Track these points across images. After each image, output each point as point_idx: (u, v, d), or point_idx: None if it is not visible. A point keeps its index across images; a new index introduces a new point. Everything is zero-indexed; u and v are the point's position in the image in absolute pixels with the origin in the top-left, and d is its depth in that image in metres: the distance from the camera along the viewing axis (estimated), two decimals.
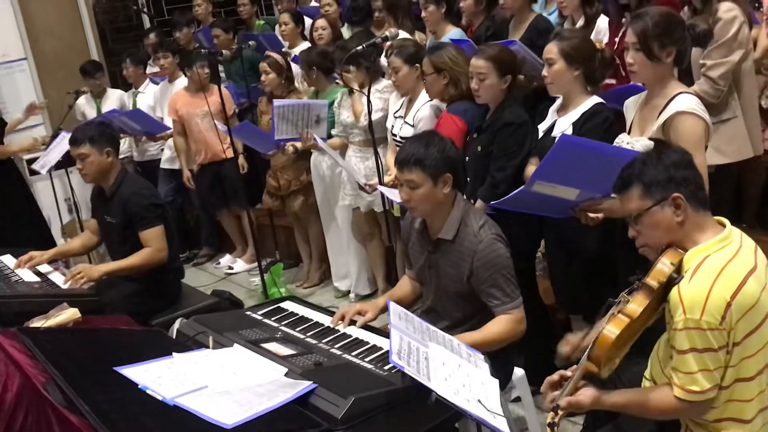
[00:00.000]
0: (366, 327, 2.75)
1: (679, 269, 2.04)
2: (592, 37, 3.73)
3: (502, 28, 4.33)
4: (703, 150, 2.63)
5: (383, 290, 4.89)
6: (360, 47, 3.85)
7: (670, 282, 2.02)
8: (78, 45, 7.64)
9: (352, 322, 2.75)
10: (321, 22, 5.70)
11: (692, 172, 2.10)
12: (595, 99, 3.03)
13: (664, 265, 2.04)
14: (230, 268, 6.09)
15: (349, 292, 5.16)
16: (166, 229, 3.81)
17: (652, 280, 2.04)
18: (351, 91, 4.44)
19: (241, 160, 5.55)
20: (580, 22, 3.87)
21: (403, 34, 4.67)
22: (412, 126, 3.95)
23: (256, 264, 5.66)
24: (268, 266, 5.34)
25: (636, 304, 2.05)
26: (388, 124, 4.27)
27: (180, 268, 4.09)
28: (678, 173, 2.06)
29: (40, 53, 7.18)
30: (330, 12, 6.02)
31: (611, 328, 2.04)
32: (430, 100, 3.90)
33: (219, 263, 6.27)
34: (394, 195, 3.72)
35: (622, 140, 2.72)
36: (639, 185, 2.08)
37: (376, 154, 3.95)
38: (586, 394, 2.09)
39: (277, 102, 4.62)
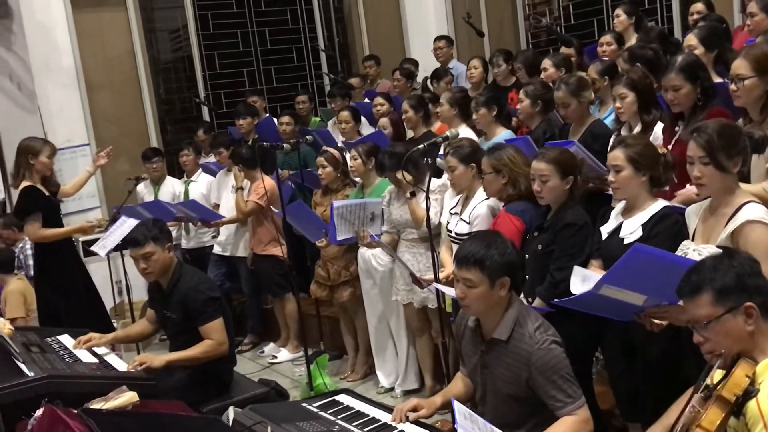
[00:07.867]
0: (420, 424, 2.73)
1: (753, 381, 2.00)
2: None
3: (560, 131, 4.42)
4: None
5: (431, 387, 4.82)
6: (421, 146, 3.97)
7: (746, 395, 1.98)
8: (137, 133, 7.95)
9: (405, 417, 2.73)
10: (383, 121, 5.91)
11: (763, 281, 2.08)
12: (662, 202, 3.06)
13: (740, 378, 2.00)
14: (274, 357, 6.07)
15: (392, 388, 5.09)
16: (225, 320, 3.81)
17: (728, 393, 2.00)
18: (413, 194, 4.46)
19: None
20: (638, 128, 3.93)
21: (464, 132, 4.78)
22: (468, 223, 3.99)
23: (299, 354, 5.66)
24: (312, 357, 5.32)
25: (713, 418, 2.00)
26: (443, 220, 4.32)
27: (234, 357, 4.09)
28: (751, 281, 2.05)
29: (101, 139, 7.44)
30: (381, 111, 6.22)
31: None
32: (487, 198, 3.95)
33: (263, 351, 6.27)
34: (450, 291, 3.73)
35: (688, 248, 2.71)
36: (710, 291, 2.05)
37: (433, 250, 3.98)
38: None
39: (336, 203, 4.70)
